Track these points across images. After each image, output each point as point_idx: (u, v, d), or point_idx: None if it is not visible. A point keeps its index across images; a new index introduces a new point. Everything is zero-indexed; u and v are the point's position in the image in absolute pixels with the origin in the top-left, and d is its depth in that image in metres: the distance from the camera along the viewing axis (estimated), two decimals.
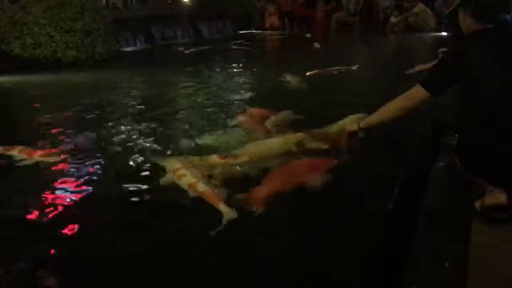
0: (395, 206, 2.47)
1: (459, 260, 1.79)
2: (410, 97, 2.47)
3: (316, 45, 10.20)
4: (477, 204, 2.15)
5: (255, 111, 4.33)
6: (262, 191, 2.63)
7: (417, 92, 2.39)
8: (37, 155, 3.31)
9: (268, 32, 14.04)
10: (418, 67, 5.84)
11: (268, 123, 3.89)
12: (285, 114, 4.07)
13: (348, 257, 2.10)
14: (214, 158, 3.13)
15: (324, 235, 2.30)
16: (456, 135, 2.26)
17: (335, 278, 1.95)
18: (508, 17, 2.13)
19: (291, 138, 3.40)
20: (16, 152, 3.36)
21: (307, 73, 6.43)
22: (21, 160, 3.26)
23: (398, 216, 2.41)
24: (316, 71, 6.56)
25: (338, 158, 3.06)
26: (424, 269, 1.77)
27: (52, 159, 3.28)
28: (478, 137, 2.09)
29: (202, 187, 2.71)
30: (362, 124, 2.88)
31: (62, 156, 3.34)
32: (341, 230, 2.33)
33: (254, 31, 14.32)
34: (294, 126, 3.79)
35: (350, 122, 3.34)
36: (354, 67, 6.99)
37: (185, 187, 2.75)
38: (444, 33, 11.33)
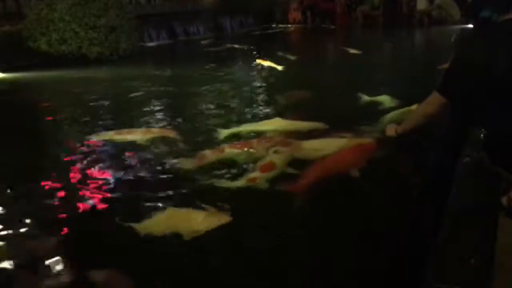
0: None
1: (485, 258, 1.75)
2: (429, 103, 2.45)
3: (352, 51, 8.13)
4: (504, 200, 2.10)
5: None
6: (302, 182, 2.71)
7: (435, 98, 2.38)
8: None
9: (290, 26, 14.00)
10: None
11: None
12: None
13: None
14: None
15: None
16: (483, 130, 2.21)
17: None
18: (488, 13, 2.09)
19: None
20: None
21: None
22: None
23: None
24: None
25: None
26: (450, 268, 1.74)
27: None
28: (506, 131, 2.04)
29: None
30: (399, 131, 2.94)
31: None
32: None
33: (277, 25, 14.29)
34: None
35: (401, 114, 3.72)
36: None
37: None
38: (471, 26, 10.98)
